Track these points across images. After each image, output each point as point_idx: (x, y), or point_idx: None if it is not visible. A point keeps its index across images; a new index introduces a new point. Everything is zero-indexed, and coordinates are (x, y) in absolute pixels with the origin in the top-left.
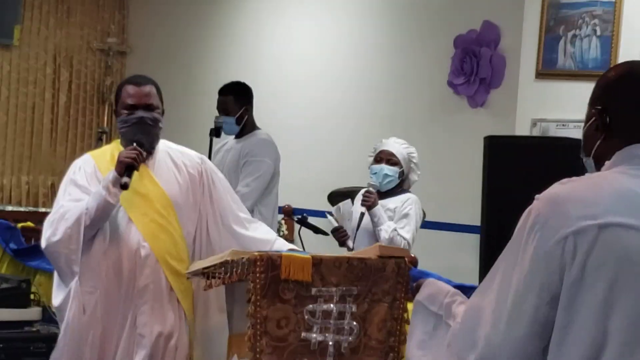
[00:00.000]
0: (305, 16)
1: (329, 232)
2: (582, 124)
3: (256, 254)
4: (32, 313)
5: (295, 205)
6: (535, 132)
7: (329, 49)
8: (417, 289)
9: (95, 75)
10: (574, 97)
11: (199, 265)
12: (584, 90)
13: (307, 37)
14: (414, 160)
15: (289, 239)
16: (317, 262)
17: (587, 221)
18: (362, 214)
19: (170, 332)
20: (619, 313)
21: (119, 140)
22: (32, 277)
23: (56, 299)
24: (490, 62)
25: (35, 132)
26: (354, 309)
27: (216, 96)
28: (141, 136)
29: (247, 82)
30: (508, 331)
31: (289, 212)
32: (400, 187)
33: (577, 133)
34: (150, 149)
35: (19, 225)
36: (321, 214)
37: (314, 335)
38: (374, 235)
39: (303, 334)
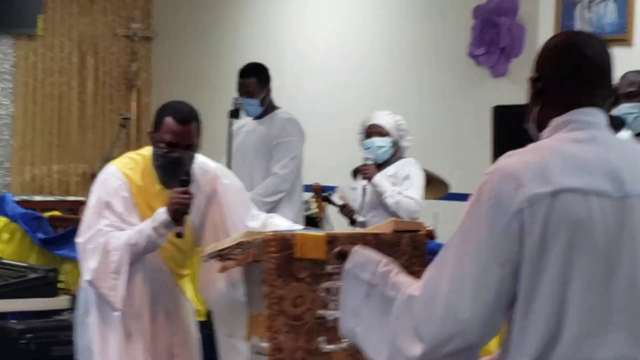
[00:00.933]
0: None
1: (338, 212)
2: None
3: (269, 233)
4: (60, 302)
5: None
6: None
7: (349, 24)
8: (343, 256)
9: (121, 61)
10: None
11: (214, 247)
12: None
13: (328, 17)
14: (403, 127)
15: (319, 217)
16: (332, 239)
17: (539, 189)
18: (364, 188)
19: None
20: (576, 279)
21: (147, 156)
22: (60, 265)
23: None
24: (510, 31)
25: (63, 121)
26: None
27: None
28: (183, 175)
29: (270, 64)
30: (475, 305)
31: (318, 190)
32: (394, 155)
33: None
34: (191, 181)
35: (47, 214)
36: None
37: (330, 312)
38: (382, 206)
39: (319, 312)
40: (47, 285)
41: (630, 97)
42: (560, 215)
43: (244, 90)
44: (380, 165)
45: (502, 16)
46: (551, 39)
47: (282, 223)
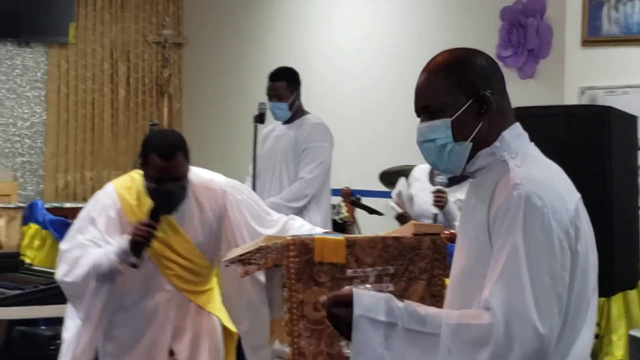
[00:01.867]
0: None
1: (394, 217)
2: (628, 90)
3: (289, 238)
4: None
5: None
6: (584, 100)
7: (376, 28)
8: (338, 304)
9: (153, 68)
10: (620, 62)
11: (235, 252)
12: (630, 55)
13: (355, 21)
14: None
15: (350, 221)
16: (351, 244)
17: (574, 198)
18: (436, 215)
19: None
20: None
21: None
22: None
23: (67, 332)
24: (537, 33)
25: (96, 128)
26: (391, 287)
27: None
28: (162, 207)
29: (299, 69)
30: (552, 317)
31: (348, 194)
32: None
33: (624, 99)
34: (173, 211)
35: None
36: (374, 194)
37: None
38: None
39: None
40: None
41: None
42: (582, 222)
43: (274, 93)
44: (449, 182)
45: (529, 17)
46: (469, 54)
47: (302, 225)
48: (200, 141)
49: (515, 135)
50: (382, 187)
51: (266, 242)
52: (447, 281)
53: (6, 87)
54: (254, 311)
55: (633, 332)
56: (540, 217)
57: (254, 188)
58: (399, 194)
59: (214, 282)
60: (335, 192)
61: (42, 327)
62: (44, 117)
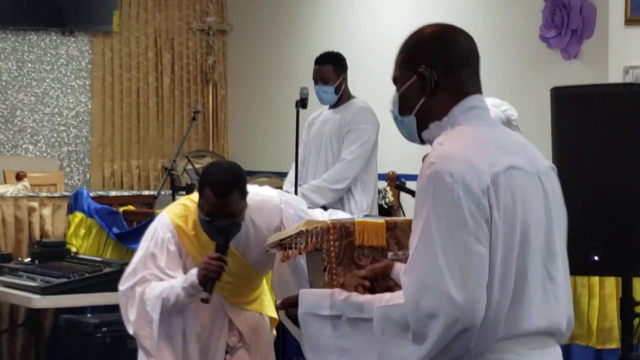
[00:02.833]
0: None
1: None
2: None
3: (329, 222)
4: None
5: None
6: (628, 79)
7: (419, 11)
8: (287, 305)
9: (197, 55)
10: None
11: (276, 237)
12: None
13: (398, 7)
14: (512, 118)
15: (395, 206)
16: (392, 226)
17: (495, 168)
18: None
19: None
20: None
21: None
22: None
23: None
24: (581, 13)
25: (141, 116)
26: None
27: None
28: (223, 240)
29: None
30: (468, 286)
31: (393, 179)
32: None
33: None
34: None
35: (121, 209)
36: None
37: None
38: None
39: None
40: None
41: None
42: (510, 191)
43: (319, 77)
44: None
45: None
46: (425, 31)
47: (344, 216)
48: (246, 127)
49: (465, 109)
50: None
51: (306, 227)
52: None
53: (51, 76)
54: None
55: None
56: (450, 192)
57: (296, 174)
58: None
59: (264, 283)
60: (381, 177)
61: (88, 315)
62: (89, 106)
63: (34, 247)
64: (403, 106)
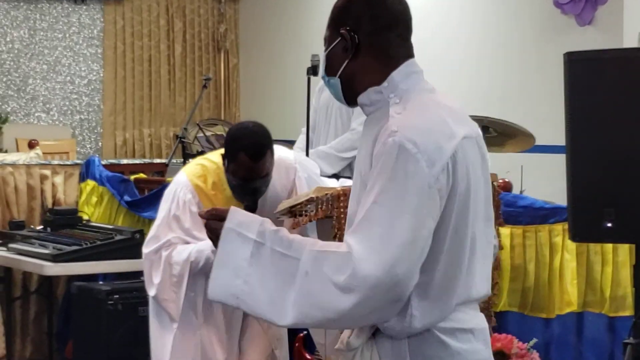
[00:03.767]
0: None
1: None
2: None
3: (339, 188)
4: None
5: None
6: None
7: None
8: (215, 217)
9: (209, 23)
10: None
11: (286, 204)
12: None
13: None
14: None
15: None
16: None
17: (452, 142)
18: None
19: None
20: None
21: (218, 163)
22: (146, 227)
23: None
24: None
25: (153, 85)
26: None
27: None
28: (251, 200)
29: None
30: (410, 258)
31: None
32: None
33: None
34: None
35: (132, 177)
36: None
37: None
38: None
39: None
40: (133, 246)
41: None
42: (467, 160)
43: None
44: None
45: None
46: None
47: None
48: (257, 95)
49: (405, 75)
50: None
51: (317, 194)
52: (503, 229)
53: (63, 44)
54: None
55: None
56: (413, 162)
57: (307, 141)
58: None
59: None
60: None
61: (100, 282)
62: (101, 75)
63: (46, 214)
64: (329, 67)
